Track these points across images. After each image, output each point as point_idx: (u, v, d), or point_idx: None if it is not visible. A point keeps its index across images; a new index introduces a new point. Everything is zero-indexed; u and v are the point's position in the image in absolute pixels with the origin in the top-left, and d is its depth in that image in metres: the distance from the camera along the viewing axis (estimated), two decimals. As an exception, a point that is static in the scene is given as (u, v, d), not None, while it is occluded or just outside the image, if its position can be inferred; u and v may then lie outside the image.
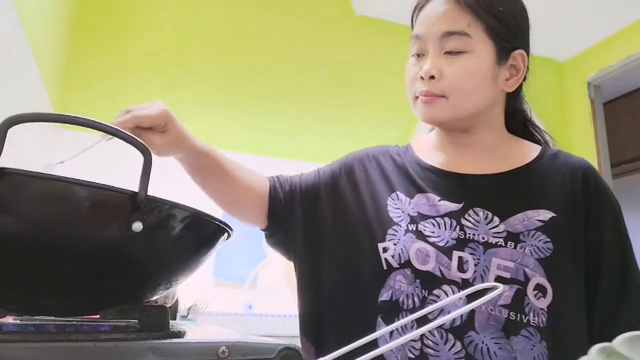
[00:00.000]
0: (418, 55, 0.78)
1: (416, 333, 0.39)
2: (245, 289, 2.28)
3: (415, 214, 0.76)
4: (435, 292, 0.70)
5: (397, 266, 0.73)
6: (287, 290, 2.39)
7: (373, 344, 0.41)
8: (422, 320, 0.68)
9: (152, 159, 0.44)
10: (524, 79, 0.79)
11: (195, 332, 0.51)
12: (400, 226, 0.76)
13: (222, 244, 0.56)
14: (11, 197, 0.38)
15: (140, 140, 0.44)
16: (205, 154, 0.78)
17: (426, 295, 0.70)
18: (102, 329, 0.44)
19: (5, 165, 0.37)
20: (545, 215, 0.72)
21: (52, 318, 0.49)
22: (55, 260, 0.41)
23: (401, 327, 0.69)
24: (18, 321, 0.48)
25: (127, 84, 2.29)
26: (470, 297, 0.67)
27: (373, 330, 0.72)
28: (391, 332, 0.70)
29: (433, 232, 0.73)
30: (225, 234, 0.54)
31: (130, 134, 0.45)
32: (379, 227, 0.78)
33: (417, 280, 0.71)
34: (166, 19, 2.46)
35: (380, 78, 2.82)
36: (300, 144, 2.59)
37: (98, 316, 0.47)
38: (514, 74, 0.78)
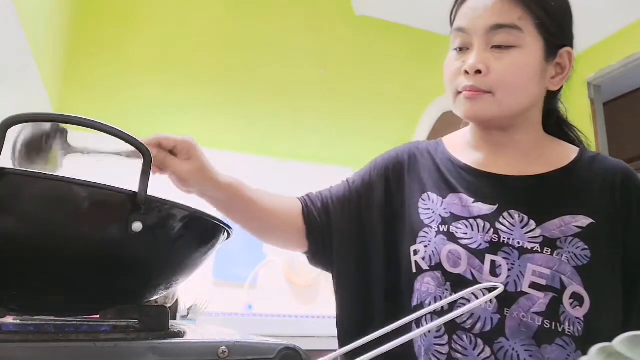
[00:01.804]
0: (460, 49, 0.74)
1: (415, 334, 0.39)
2: (245, 289, 2.28)
3: (447, 215, 0.74)
4: (466, 296, 0.67)
5: (427, 268, 0.72)
6: (287, 290, 2.39)
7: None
8: (448, 323, 0.67)
9: (152, 159, 0.44)
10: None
11: (195, 332, 0.51)
12: (431, 228, 0.74)
13: (222, 244, 0.56)
14: (11, 197, 0.38)
15: (140, 141, 0.44)
16: (230, 187, 0.75)
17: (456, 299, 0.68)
18: (102, 329, 0.44)
19: (5, 166, 0.37)
20: (584, 221, 0.69)
21: (52, 318, 0.49)
22: (55, 260, 0.41)
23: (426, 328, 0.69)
24: (18, 321, 0.48)
25: (127, 84, 2.29)
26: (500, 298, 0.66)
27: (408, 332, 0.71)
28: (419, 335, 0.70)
29: (465, 234, 0.71)
30: (225, 234, 0.54)
31: (129, 134, 0.45)
32: (410, 230, 0.76)
33: (448, 283, 0.70)
34: (166, 19, 2.46)
35: (380, 78, 2.82)
36: (300, 144, 2.59)
37: (98, 316, 0.47)
38: (559, 73, 0.75)
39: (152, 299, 0.52)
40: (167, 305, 1.28)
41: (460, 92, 0.72)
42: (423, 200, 0.78)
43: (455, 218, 0.73)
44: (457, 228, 0.72)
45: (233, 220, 0.78)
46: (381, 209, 0.81)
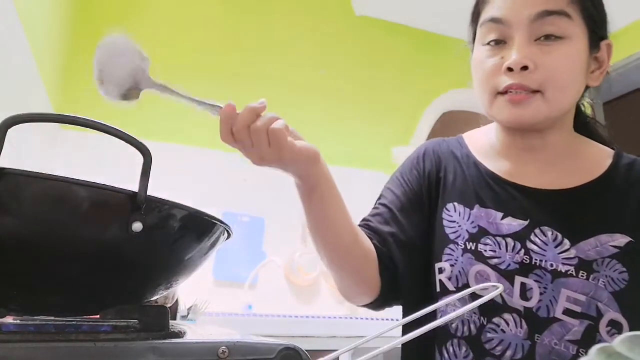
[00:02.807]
0: (496, 43, 0.65)
1: (413, 334, 0.39)
2: (245, 289, 2.28)
3: (475, 230, 0.68)
4: (495, 320, 0.64)
5: (453, 289, 0.67)
6: (287, 290, 2.39)
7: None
8: (476, 345, 0.65)
9: (152, 159, 0.44)
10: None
11: (195, 332, 0.51)
12: (457, 244, 0.68)
13: (222, 244, 0.56)
14: (11, 197, 0.38)
15: (140, 140, 0.44)
16: (331, 180, 0.65)
17: (485, 322, 0.64)
18: (102, 329, 0.44)
19: (5, 165, 0.37)
20: (621, 240, 0.63)
21: (52, 318, 0.49)
22: (55, 260, 0.41)
23: (453, 351, 0.66)
24: (18, 321, 0.48)
25: (127, 84, 2.29)
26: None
27: (433, 356, 0.68)
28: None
29: (494, 252, 0.66)
30: (225, 234, 0.54)
31: (129, 134, 0.45)
32: (434, 244, 0.71)
33: None
34: (166, 19, 2.46)
35: (380, 78, 2.82)
36: (300, 144, 2.59)
37: (98, 316, 0.47)
38: (597, 67, 0.68)
39: (152, 299, 0.52)
40: (167, 305, 1.28)
41: (500, 93, 0.65)
42: (447, 210, 0.71)
43: (483, 233, 0.67)
44: (486, 245, 0.67)
45: (324, 224, 0.66)
46: (421, 223, 0.74)
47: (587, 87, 0.71)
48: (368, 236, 0.72)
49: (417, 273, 0.73)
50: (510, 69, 0.62)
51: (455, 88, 2.88)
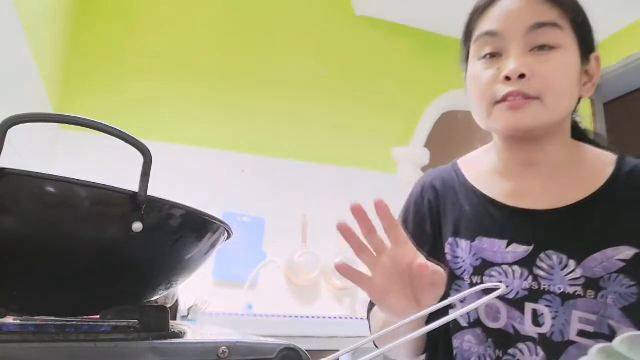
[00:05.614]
0: (491, 56, 0.67)
1: (414, 334, 0.39)
2: (245, 289, 2.28)
3: (478, 263, 0.68)
4: (510, 351, 0.64)
5: (466, 325, 0.67)
6: (287, 290, 2.39)
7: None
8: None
9: (152, 159, 0.44)
10: None
11: (195, 332, 0.51)
12: (464, 280, 0.69)
13: (222, 244, 0.55)
14: (11, 197, 0.38)
15: (140, 140, 0.44)
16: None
17: (500, 355, 0.65)
18: (102, 329, 0.44)
19: (5, 165, 0.37)
20: (627, 252, 0.62)
21: (52, 318, 0.49)
22: (55, 260, 0.41)
23: None
24: (18, 321, 0.48)
25: (128, 83, 2.29)
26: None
27: None
28: None
29: (500, 283, 0.64)
30: (225, 234, 0.54)
31: (129, 134, 0.44)
32: None
33: (489, 340, 0.66)
34: (166, 19, 2.46)
35: (380, 78, 2.82)
36: (299, 144, 2.58)
37: (98, 316, 0.47)
38: (588, 80, 0.70)
39: (152, 299, 0.52)
40: (167, 305, 1.28)
41: (498, 102, 0.65)
42: (450, 245, 0.72)
43: (487, 265, 0.67)
44: (491, 277, 0.67)
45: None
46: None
47: (579, 100, 0.72)
48: None
49: None
50: (507, 78, 0.64)
51: (455, 88, 2.88)
